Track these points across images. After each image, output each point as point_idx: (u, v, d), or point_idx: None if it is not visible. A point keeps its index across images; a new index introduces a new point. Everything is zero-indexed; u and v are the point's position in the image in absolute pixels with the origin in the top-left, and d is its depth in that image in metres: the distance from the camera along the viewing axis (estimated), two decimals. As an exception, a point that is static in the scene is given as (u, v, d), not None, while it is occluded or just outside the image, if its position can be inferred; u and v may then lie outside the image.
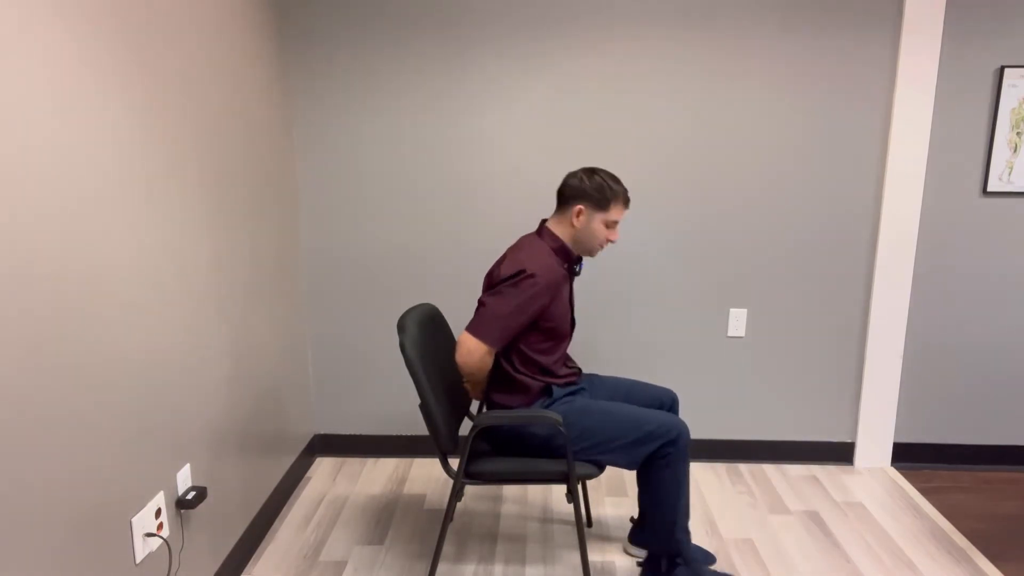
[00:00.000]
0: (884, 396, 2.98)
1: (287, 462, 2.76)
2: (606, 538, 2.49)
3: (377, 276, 2.95)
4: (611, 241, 2.14)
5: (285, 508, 2.68)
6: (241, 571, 2.28)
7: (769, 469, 3.01)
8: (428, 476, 2.95)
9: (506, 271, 2.03)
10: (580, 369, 2.29)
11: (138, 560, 1.69)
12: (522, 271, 2.00)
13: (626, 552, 2.40)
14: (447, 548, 2.43)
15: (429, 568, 2.27)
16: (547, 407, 2.10)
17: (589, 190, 2.07)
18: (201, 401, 2.02)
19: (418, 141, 2.83)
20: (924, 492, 2.83)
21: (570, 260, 2.14)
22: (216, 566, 2.12)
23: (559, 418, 1.96)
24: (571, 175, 2.11)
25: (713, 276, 2.92)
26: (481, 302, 2.05)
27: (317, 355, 3.03)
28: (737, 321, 2.95)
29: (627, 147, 2.82)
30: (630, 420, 2.05)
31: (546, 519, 2.62)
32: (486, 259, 2.92)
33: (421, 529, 2.55)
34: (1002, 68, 2.71)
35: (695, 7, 2.70)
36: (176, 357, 1.87)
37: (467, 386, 2.25)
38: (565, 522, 2.60)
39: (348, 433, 3.11)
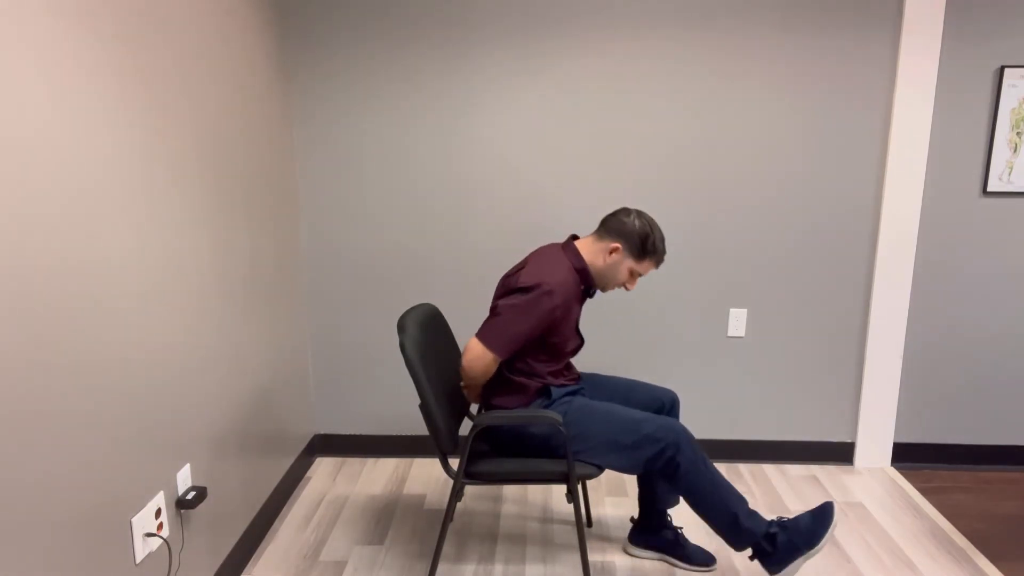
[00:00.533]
0: (884, 396, 2.98)
1: (287, 462, 2.76)
2: (606, 538, 2.49)
3: (377, 276, 2.95)
4: (627, 288, 2.14)
5: (285, 508, 2.68)
6: (241, 571, 2.29)
7: (769, 469, 3.01)
8: (428, 476, 2.95)
9: (524, 281, 2.01)
10: (580, 376, 2.28)
11: (138, 560, 1.69)
12: (540, 285, 1.98)
13: (626, 552, 2.40)
14: (447, 548, 2.43)
15: (429, 568, 2.27)
16: (546, 407, 2.10)
17: (634, 235, 2.07)
18: (201, 401, 2.02)
19: (418, 141, 2.83)
20: (924, 492, 2.83)
21: (588, 283, 2.13)
22: (216, 566, 2.12)
23: (559, 418, 1.96)
24: (626, 212, 2.10)
25: (713, 276, 2.92)
26: (495, 310, 2.03)
27: (317, 355, 3.03)
28: (737, 321, 2.95)
29: (627, 147, 2.82)
30: (627, 423, 2.04)
31: (546, 519, 2.62)
32: (486, 259, 2.92)
33: (421, 529, 2.55)
34: (1002, 68, 2.71)
35: (695, 7, 2.70)
36: (176, 357, 1.87)
37: (464, 390, 2.24)
38: (565, 522, 2.60)
39: (348, 433, 3.11)
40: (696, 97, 2.77)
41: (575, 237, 2.18)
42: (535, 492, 2.83)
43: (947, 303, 2.92)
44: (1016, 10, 2.68)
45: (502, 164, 2.84)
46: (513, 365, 2.10)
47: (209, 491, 2.07)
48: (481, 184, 2.86)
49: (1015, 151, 2.77)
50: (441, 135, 2.82)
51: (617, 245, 2.08)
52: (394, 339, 3.01)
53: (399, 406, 3.08)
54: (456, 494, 2.08)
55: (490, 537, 2.50)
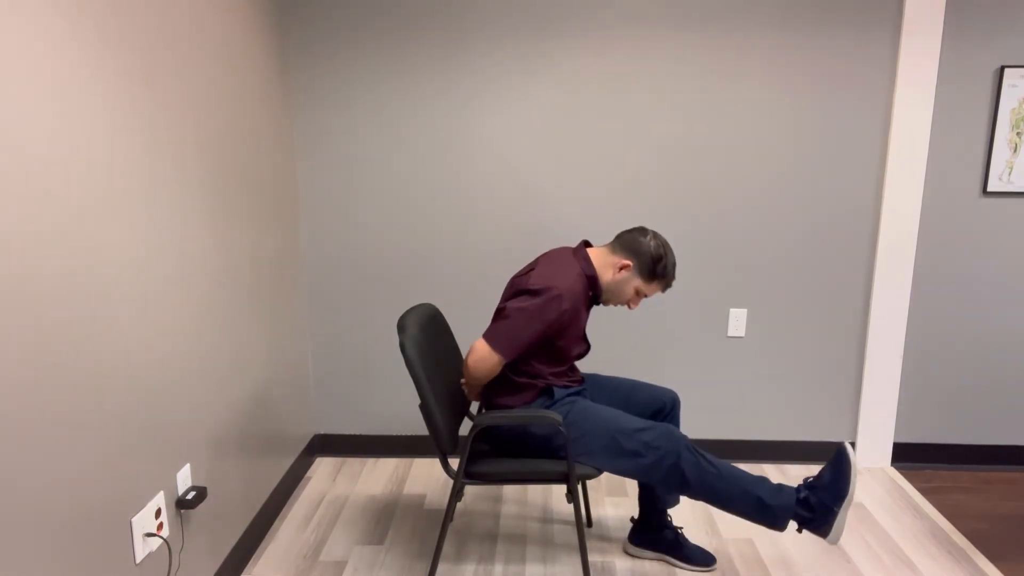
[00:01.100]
0: (884, 396, 2.98)
1: (287, 462, 2.76)
2: (606, 538, 2.49)
3: (377, 276, 2.95)
4: (630, 307, 2.14)
5: (285, 508, 2.68)
6: (241, 571, 2.29)
7: (769, 469, 3.01)
8: (428, 476, 2.95)
9: (535, 284, 2.00)
10: (583, 377, 2.28)
11: (138, 560, 1.69)
12: (550, 288, 1.98)
13: (626, 552, 2.40)
14: (447, 548, 2.43)
15: (429, 568, 2.27)
16: (547, 407, 2.10)
17: (647, 255, 2.07)
18: (201, 401, 2.02)
19: (418, 141, 2.83)
20: (924, 492, 2.83)
21: (596, 290, 2.13)
22: (216, 566, 2.12)
23: (559, 418, 1.96)
24: (642, 231, 2.10)
25: (713, 276, 2.92)
26: (503, 312, 2.02)
27: (317, 355, 3.03)
28: (737, 321, 2.95)
29: (627, 147, 2.82)
30: (627, 430, 2.02)
31: (546, 519, 2.62)
32: (486, 259, 2.92)
33: (421, 529, 2.55)
34: (1002, 68, 2.71)
35: (695, 7, 2.70)
36: (176, 357, 1.87)
37: (465, 388, 2.24)
38: (565, 522, 2.60)
39: (348, 433, 3.11)
40: (696, 97, 2.77)
41: (587, 243, 2.18)
42: (535, 492, 2.83)
43: (947, 303, 2.92)
44: (1016, 10, 2.68)
45: (502, 163, 2.84)
46: (517, 366, 2.09)
47: (209, 491, 2.07)
48: (481, 184, 2.86)
49: (1015, 151, 2.77)
50: (441, 135, 2.82)
51: (628, 263, 2.08)
52: (394, 339, 3.01)
53: (399, 406, 3.08)
54: (456, 494, 2.08)
55: (490, 537, 2.50)
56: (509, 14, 2.71)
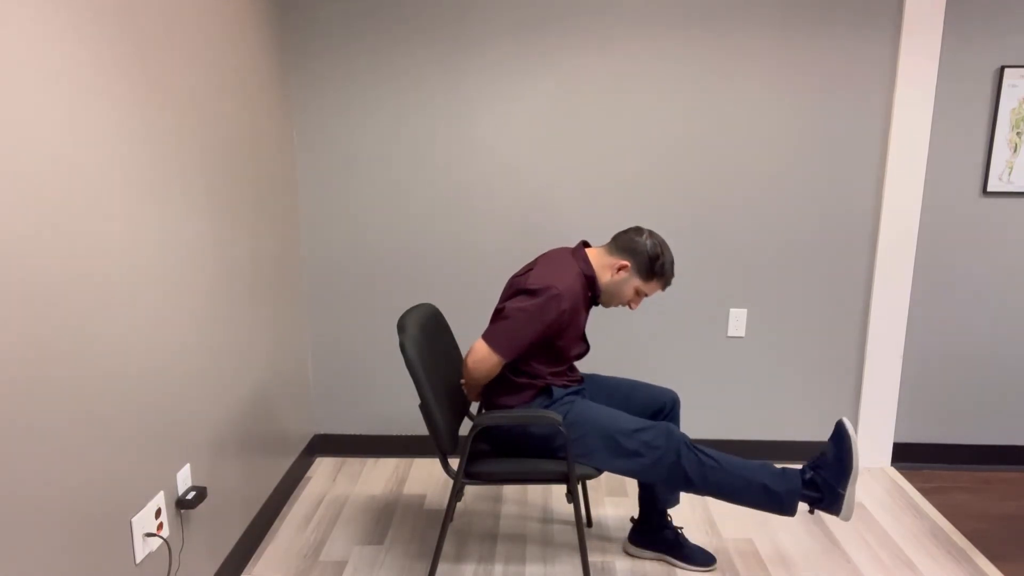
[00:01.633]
0: (884, 396, 2.98)
1: (287, 462, 2.76)
2: (606, 538, 2.49)
3: (377, 276, 2.95)
4: (630, 307, 2.15)
5: (285, 508, 2.68)
6: (241, 571, 2.29)
7: (769, 469, 3.01)
8: (428, 476, 2.95)
9: (534, 283, 2.00)
10: (582, 377, 2.28)
11: (138, 560, 1.69)
12: (549, 288, 1.98)
13: (626, 552, 2.40)
14: (447, 548, 2.43)
15: (429, 568, 2.27)
16: (547, 407, 2.10)
17: (644, 254, 2.07)
18: (201, 401, 2.02)
19: (418, 141, 2.83)
20: (924, 492, 2.83)
21: (594, 291, 2.13)
22: (216, 566, 2.12)
23: (559, 418, 1.96)
24: (637, 231, 2.10)
25: (713, 276, 2.92)
26: (502, 313, 2.02)
27: (317, 355, 3.03)
28: (737, 321, 2.95)
29: (626, 147, 2.82)
30: (626, 430, 2.02)
31: (546, 519, 2.62)
32: (486, 258, 2.92)
33: (421, 529, 2.55)
34: (1002, 68, 2.71)
35: (695, 7, 2.70)
36: (177, 357, 1.87)
37: (465, 389, 2.24)
38: (565, 522, 2.60)
39: (348, 433, 3.11)
40: (696, 97, 2.77)
41: (586, 244, 2.18)
42: (535, 492, 2.83)
43: (947, 303, 2.92)
44: (1016, 10, 2.68)
45: (502, 163, 2.84)
46: (516, 366, 2.09)
47: (209, 491, 2.07)
48: (481, 183, 2.86)
49: (1015, 151, 2.77)
50: (441, 134, 2.82)
51: (626, 263, 2.08)
52: (394, 339, 3.01)
53: (399, 406, 3.08)
54: (456, 494, 2.08)
55: (490, 537, 2.50)
56: (509, 14, 2.71)
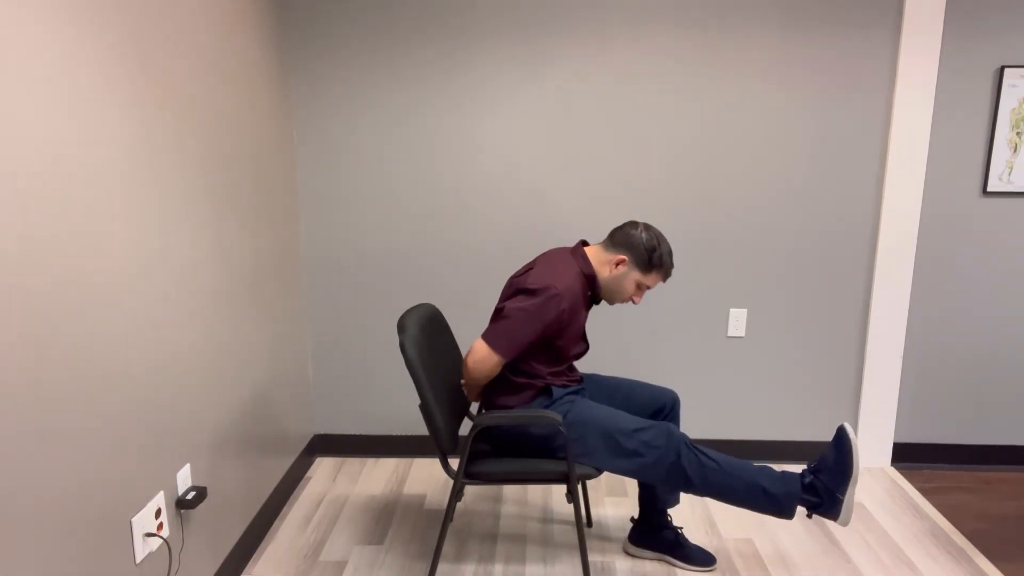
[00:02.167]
0: (884, 396, 2.98)
1: (287, 462, 2.76)
2: (606, 538, 2.49)
3: (377, 276, 2.95)
4: (634, 302, 2.15)
5: (285, 508, 2.68)
6: (241, 571, 2.29)
7: (769, 469, 3.01)
8: (428, 476, 2.95)
9: (533, 283, 2.00)
10: (581, 377, 2.28)
11: (138, 560, 1.69)
12: (548, 288, 1.98)
13: (626, 552, 2.40)
14: (447, 548, 2.43)
15: (429, 568, 2.27)
16: (546, 407, 2.10)
17: (641, 247, 2.07)
18: (201, 401, 2.02)
19: (418, 140, 2.83)
20: (924, 492, 2.83)
21: (594, 290, 2.13)
22: (216, 566, 2.12)
23: (559, 418, 1.96)
24: (633, 224, 2.10)
25: (713, 276, 2.92)
26: (502, 313, 2.02)
27: (317, 355, 3.03)
28: (737, 321, 2.95)
29: (626, 147, 2.82)
30: (626, 429, 2.03)
31: (546, 519, 2.62)
32: (487, 259, 2.92)
33: (421, 529, 2.55)
34: (1002, 68, 2.71)
35: (695, 7, 2.70)
36: (177, 357, 1.87)
37: (464, 388, 2.24)
38: (565, 522, 2.60)
39: (348, 433, 3.11)
40: (695, 97, 2.77)
41: (585, 243, 2.18)
42: (535, 492, 2.83)
43: (947, 303, 2.92)
44: (1016, 10, 2.68)
45: (502, 163, 2.84)
46: (516, 366, 2.09)
47: (209, 491, 2.07)
48: (481, 183, 2.86)
49: (1015, 151, 2.77)
50: (441, 134, 2.82)
51: (623, 257, 2.08)
52: (394, 339, 3.01)
53: (399, 406, 3.08)
54: (456, 494, 2.08)
55: (490, 537, 2.50)
56: (509, 13, 2.71)
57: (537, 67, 2.76)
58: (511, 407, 2.11)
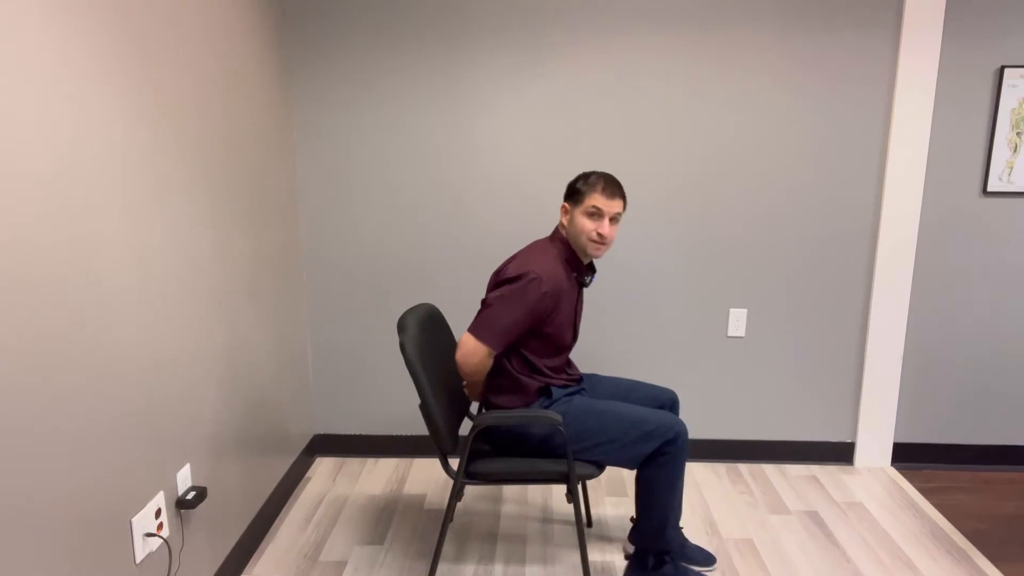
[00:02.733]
0: (884, 396, 2.98)
1: (287, 462, 2.76)
2: (606, 538, 2.49)
3: (377, 276, 2.95)
4: (601, 235, 2.03)
5: (285, 508, 2.68)
6: (241, 571, 2.28)
7: (769, 469, 3.01)
8: (428, 476, 2.95)
9: (511, 272, 2.03)
10: (581, 376, 2.28)
11: (138, 560, 1.69)
12: (527, 273, 2.00)
13: (626, 552, 2.40)
14: (447, 548, 2.43)
15: (429, 568, 2.27)
16: (546, 407, 2.10)
17: (569, 187, 2.11)
18: (201, 401, 2.02)
19: (418, 141, 2.83)
20: (924, 492, 2.83)
21: (579, 270, 2.14)
22: (216, 566, 2.12)
23: (559, 418, 1.96)
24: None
25: (713, 276, 2.92)
26: (484, 303, 2.05)
27: (317, 355, 3.03)
28: (737, 321, 2.95)
29: (625, 147, 2.82)
30: (629, 420, 2.05)
31: (546, 519, 2.62)
32: (486, 260, 2.92)
33: (421, 529, 2.55)
34: (1002, 68, 2.71)
35: (695, 7, 2.70)
36: (176, 357, 1.87)
37: (465, 388, 2.24)
38: (565, 522, 2.60)
39: (348, 433, 3.11)
40: (695, 97, 2.77)
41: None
42: (535, 492, 2.83)
43: (947, 303, 2.92)
44: (1016, 10, 2.68)
45: (502, 163, 2.84)
46: (515, 361, 2.10)
47: (209, 491, 2.07)
48: (481, 183, 2.86)
49: (1015, 151, 2.77)
50: (441, 134, 2.82)
51: (563, 205, 2.12)
52: (394, 339, 3.01)
53: (399, 406, 3.07)
54: (456, 494, 2.08)
55: (490, 537, 2.50)
56: (509, 13, 2.71)
57: (537, 67, 2.76)
58: (512, 407, 2.11)
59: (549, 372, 2.12)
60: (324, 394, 3.07)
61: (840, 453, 3.06)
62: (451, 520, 2.48)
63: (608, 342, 2.99)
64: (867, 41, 2.71)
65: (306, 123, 2.82)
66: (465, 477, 2.05)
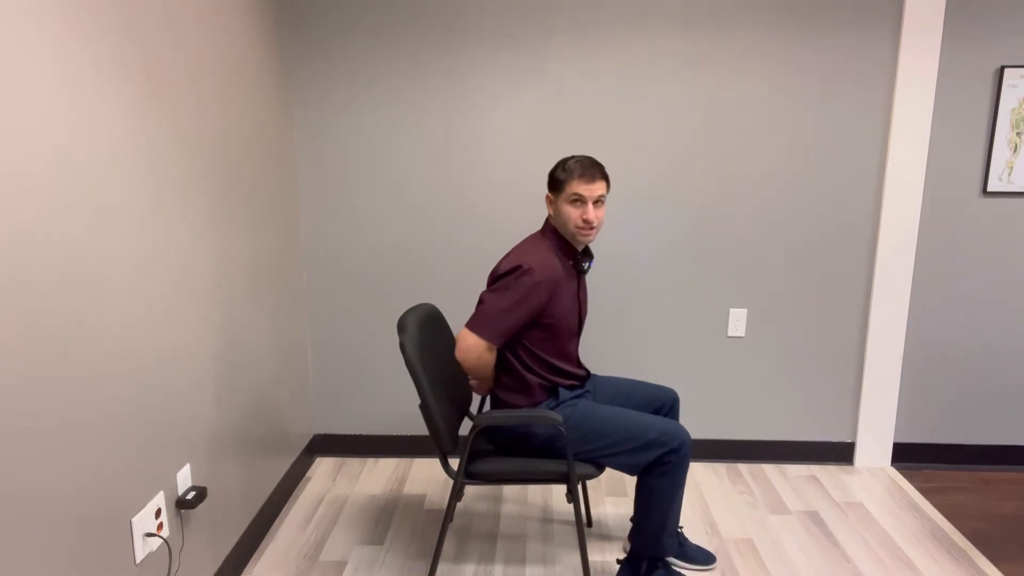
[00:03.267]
0: (884, 396, 2.98)
1: (287, 462, 2.76)
2: (606, 538, 2.49)
3: (377, 276, 2.95)
4: (587, 221, 2.02)
5: (285, 508, 2.68)
6: (241, 571, 2.28)
7: (769, 469, 3.01)
8: (428, 476, 2.95)
9: (504, 267, 2.04)
10: (589, 373, 2.28)
11: (138, 560, 1.69)
12: (519, 267, 2.01)
13: (624, 549, 2.40)
14: (447, 548, 2.43)
15: (429, 568, 2.27)
16: (552, 408, 2.10)
17: (549, 176, 2.10)
18: (201, 401, 2.02)
19: (418, 140, 2.83)
20: (924, 492, 2.83)
21: (575, 258, 2.14)
22: (216, 566, 2.12)
23: (559, 418, 1.96)
24: None
25: (713, 276, 2.92)
26: (481, 298, 2.06)
27: (317, 355, 3.03)
28: (737, 321, 2.95)
29: (626, 147, 2.82)
30: (633, 427, 2.04)
31: (546, 519, 2.62)
32: (485, 259, 2.92)
33: (421, 529, 2.55)
34: (1002, 68, 2.71)
35: (694, 7, 2.70)
36: (177, 357, 1.87)
37: (472, 383, 2.24)
38: (565, 522, 2.60)
39: (348, 433, 3.11)
40: (695, 97, 2.77)
41: None
42: (535, 492, 2.83)
43: (947, 303, 2.92)
44: (1016, 10, 2.68)
45: (502, 163, 2.84)
46: (523, 356, 2.10)
47: (209, 491, 2.07)
48: (481, 183, 2.86)
49: (1015, 151, 2.77)
50: (441, 134, 2.82)
51: (547, 195, 2.12)
52: (394, 339, 3.01)
53: (399, 406, 3.07)
54: (456, 494, 2.08)
55: (490, 537, 2.50)
56: (510, 14, 2.71)
57: (537, 67, 2.76)
58: (517, 406, 2.12)
59: (556, 369, 2.12)
60: (324, 394, 3.07)
61: (840, 453, 3.06)
62: (451, 520, 2.48)
63: (608, 342, 2.99)
64: (867, 41, 2.71)
65: (306, 123, 2.82)
66: (465, 477, 2.05)
